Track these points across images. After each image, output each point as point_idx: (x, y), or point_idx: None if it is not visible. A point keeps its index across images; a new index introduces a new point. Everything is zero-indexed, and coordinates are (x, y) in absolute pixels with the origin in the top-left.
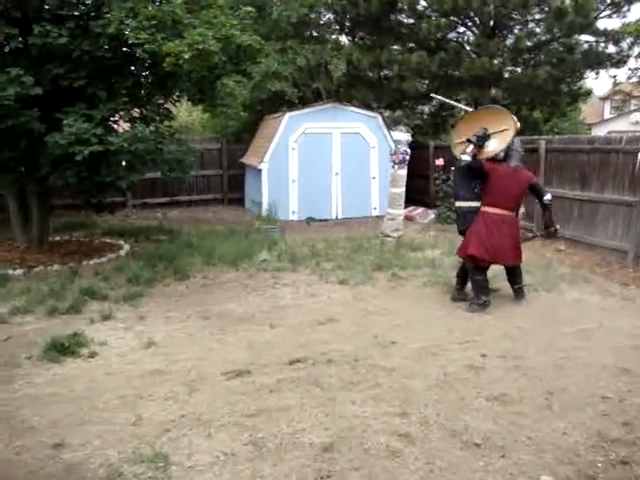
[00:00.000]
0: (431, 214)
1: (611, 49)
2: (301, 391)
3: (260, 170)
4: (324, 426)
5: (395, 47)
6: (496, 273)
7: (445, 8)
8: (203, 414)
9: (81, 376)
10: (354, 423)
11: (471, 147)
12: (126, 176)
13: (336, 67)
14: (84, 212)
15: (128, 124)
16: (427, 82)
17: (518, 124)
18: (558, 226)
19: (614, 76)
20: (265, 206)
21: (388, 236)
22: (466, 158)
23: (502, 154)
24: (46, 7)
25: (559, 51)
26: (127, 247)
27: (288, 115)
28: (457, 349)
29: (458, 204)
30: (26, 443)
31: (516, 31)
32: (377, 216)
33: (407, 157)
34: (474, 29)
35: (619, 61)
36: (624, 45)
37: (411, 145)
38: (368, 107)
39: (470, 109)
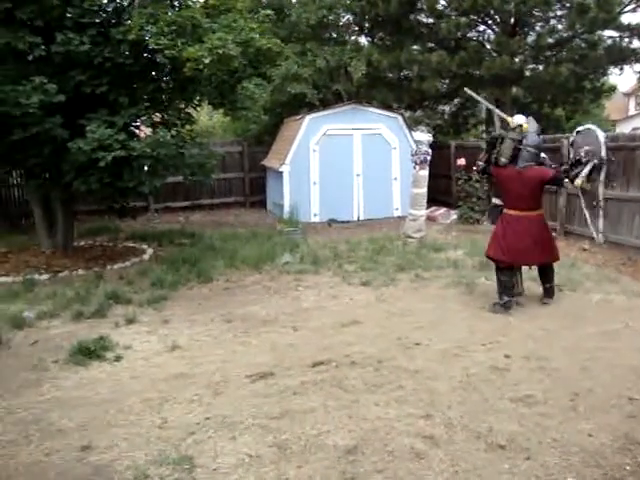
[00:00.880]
0: (453, 214)
1: (636, 44)
2: (325, 393)
3: (281, 172)
4: (348, 428)
5: (415, 47)
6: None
7: (465, 7)
8: (227, 417)
9: (107, 379)
10: (378, 425)
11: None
12: (148, 181)
13: (356, 68)
14: (107, 217)
15: (150, 129)
16: (447, 82)
17: (525, 125)
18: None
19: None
20: (287, 208)
21: (410, 237)
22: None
23: (503, 159)
24: (68, 15)
25: (581, 47)
26: (150, 251)
27: (308, 117)
28: (481, 350)
29: (494, 200)
30: (55, 445)
31: (537, 28)
32: (399, 217)
33: (428, 157)
34: (494, 27)
35: None
36: None
37: (432, 145)
38: (388, 108)
39: (497, 110)
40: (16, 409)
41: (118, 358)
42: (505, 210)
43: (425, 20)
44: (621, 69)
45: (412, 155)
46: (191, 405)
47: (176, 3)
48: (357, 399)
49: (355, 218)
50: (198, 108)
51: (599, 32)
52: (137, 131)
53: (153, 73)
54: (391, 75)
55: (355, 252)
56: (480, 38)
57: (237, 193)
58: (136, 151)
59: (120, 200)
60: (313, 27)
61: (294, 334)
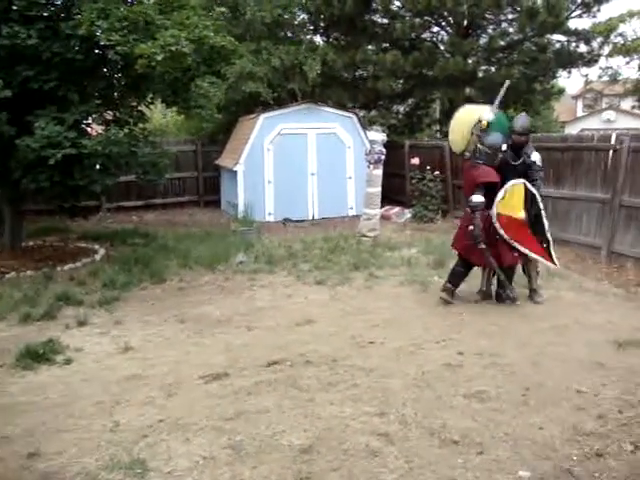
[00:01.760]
0: (407, 213)
1: (582, 48)
2: (279, 393)
3: (235, 172)
4: (303, 427)
5: (370, 47)
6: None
7: (419, 8)
8: (181, 418)
9: (56, 383)
10: (333, 424)
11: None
12: (100, 180)
13: (311, 67)
14: (58, 217)
15: (101, 127)
16: (402, 82)
17: (484, 121)
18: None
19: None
20: (241, 208)
21: (365, 236)
22: None
23: (467, 153)
24: (14, 8)
25: (532, 50)
26: (102, 251)
27: (263, 116)
28: (435, 348)
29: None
30: (0, 453)
31: (489, 31)
32: (353, 216)
33: (382, 157)
34: (448, 29)
35: (590, 60)
36: (595, 44)
37: (386, 145)
38: (343, 107)
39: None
40: None
41: (68, 361)
42: None
43: (380, 20)
44: (569, 72)
45: (366, 154)
46: (144, 407)
47: None
48: (312, 398)
49: (310, 217)
50: (151, 106)
51: (548, 36)
52: (88, 129)
53: (104, 70)
54: (346, 75)
55: (310, 251)
56: (434, 39)
57: (191, 192)
58: (87, 149)
59: (71, 199)
60: (268, 26)
61: (248, 334)
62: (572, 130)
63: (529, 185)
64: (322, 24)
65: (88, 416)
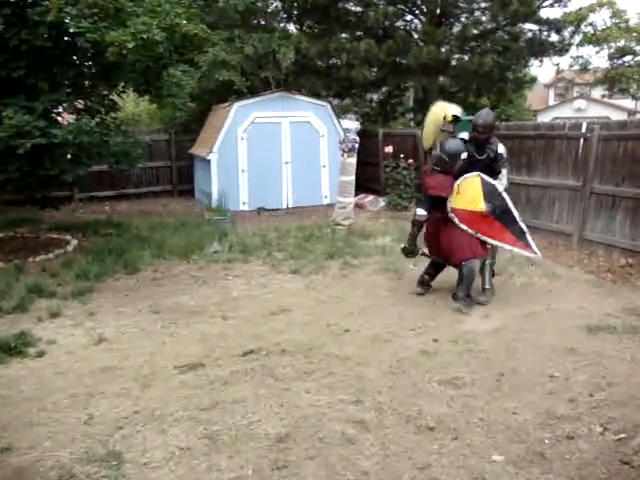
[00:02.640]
0: (381, 201)
1: (554, 37)
2: (255, 382)
3: (209, 161)
4: (279, 416)
5: (343, 35)
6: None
7: None
8: (156, 409)
9: (29, 376)
10: (309, 412)
11: None
12: (71, 169)
13: (284, 56)
14: (29, 207)
15: (73, 116)
16: (376, 70)
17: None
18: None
19: (557, 64)
20: (215, 197)
21: (339, 224)
22: None
23: (434, 151)
24: None
25: (504, 39)
26: (75, 242)
27: (237, 105)
28: (410, 335)
29: None
30: None
31: (462, 19)
32: (328, 204)
33: (356, 145)
34: (421, 17)
35: (561, 49)
36: (566, 34)
37: (360, 133)
38: (317, 96)
39: None
40: None
41: (41, 354)
42: None
43: (353, 9)
44: (541, 61)
45: (340, 143)
46: (119, 399)
47: None
48: (288, 387)
49: (284, 206)
50: (123, 95)
51: (520, 25)
52: (59, 118)
53: (74, 57)
54: (320, 63)
55: (284, 240)
56: (407, 27)
57: (164, 182)
58: (57, 138)
59: (42, 190)
60: (241, 13)
61: (224, 323)
62: (544, 118)
63: (486, 177)
64: (295, 12)
65: (62, 409)
